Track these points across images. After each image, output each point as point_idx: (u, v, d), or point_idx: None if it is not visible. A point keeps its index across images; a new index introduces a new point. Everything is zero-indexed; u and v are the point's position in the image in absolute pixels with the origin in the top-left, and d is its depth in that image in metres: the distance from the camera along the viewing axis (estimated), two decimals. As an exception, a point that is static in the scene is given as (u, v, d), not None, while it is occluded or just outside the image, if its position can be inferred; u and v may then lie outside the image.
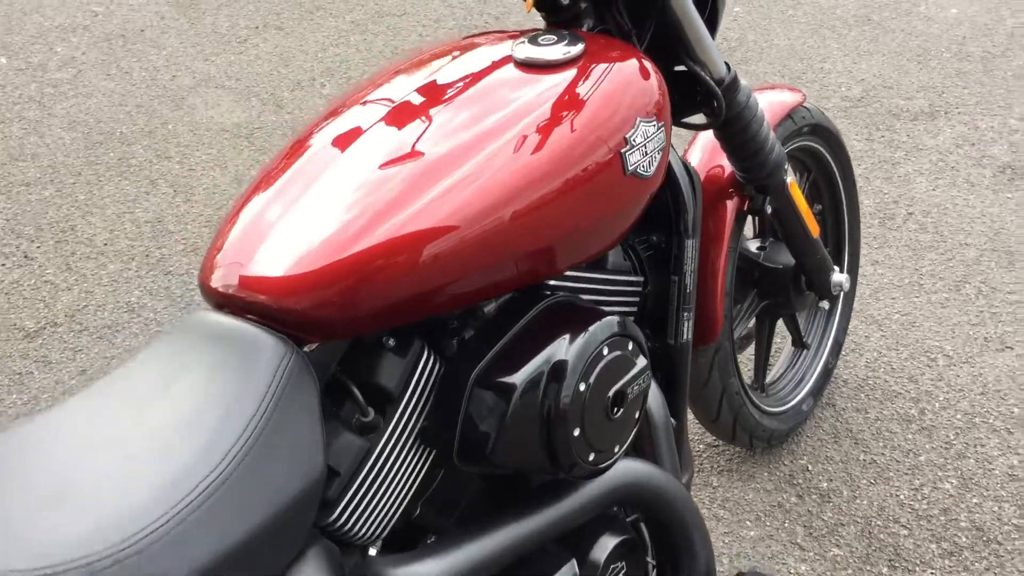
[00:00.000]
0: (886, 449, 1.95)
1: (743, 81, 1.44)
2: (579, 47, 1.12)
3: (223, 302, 0.98)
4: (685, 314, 1.34)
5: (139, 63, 3.58)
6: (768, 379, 1.95)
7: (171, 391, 0.91)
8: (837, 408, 2.05)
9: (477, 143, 1.03)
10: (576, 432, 1.02)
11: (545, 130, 1.05)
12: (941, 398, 2.06)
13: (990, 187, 2.74)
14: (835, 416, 2.03)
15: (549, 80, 1.10)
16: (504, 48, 1.16)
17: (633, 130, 1.10)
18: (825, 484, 1.89)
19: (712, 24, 1.39)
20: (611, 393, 1.05)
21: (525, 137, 1.04)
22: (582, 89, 1.09)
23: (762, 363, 1.91)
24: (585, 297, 1.18)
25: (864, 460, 1.93)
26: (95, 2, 4.05)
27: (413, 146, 1.03)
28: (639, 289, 1.31)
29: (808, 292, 1.82)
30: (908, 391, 2.08)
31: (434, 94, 1.10)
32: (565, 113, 1.06)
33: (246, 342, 0.93)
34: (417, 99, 1.09)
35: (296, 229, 0.98)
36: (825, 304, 1.90)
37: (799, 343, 1.99)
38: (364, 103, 1.12)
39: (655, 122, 1.13)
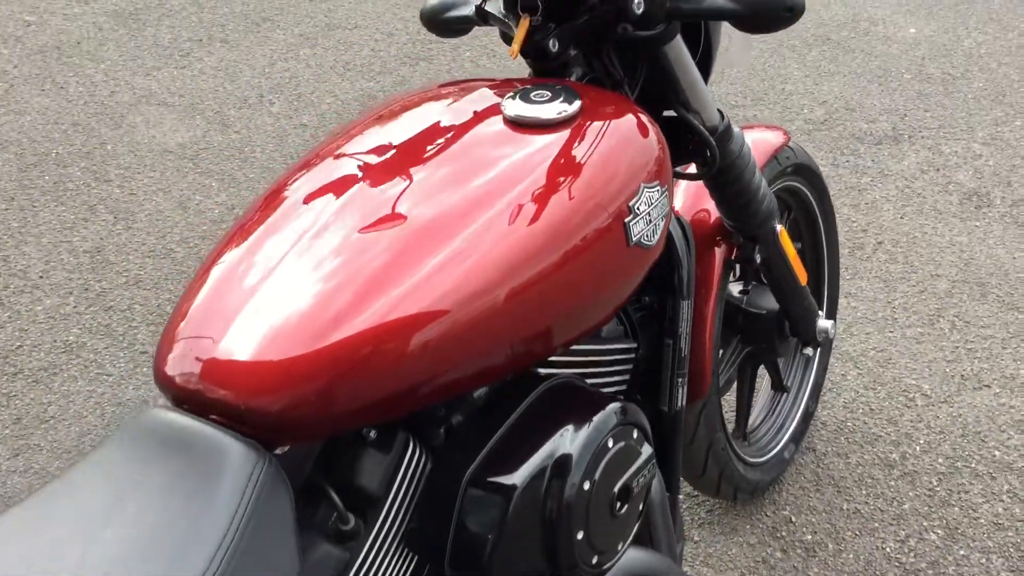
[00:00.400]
0: (869, 497, 1.89)
1: (736, 128, 1.36)
2: (576, 105, 1.02)
3: (182, 397, 0.87)
4: (679, 380, 1.26)
5: (76, 77, 3.41)
6: (747, 426, 1.88)
7: (124, 510, 0.79)
8: (818, 453, 1.98)
9: (469, 213, 0.92)
10: (579, 535, 0.93)
11: (542, 200, 0.95)
12: (922, 441, 2.01)
13: (957, 215, 2.70)
14: (816, 462, 1.97)
15: (542, 141, 1.00)
16: (490, 100, 1.06)
17: (636, 198, 1.00)
18: (809, 536, 1.82)
19: (705, 68, 1.30)
20: (616, 489, 0.96)
21: (521, 207, 0.94)
22: (579, 152, 0.99)
23: (744, 411, 1.83)
24: (580, 371, 1.09)
25: (848, 510, 1.86)
26: (27, 11, 3.86)
27: (396, 211, 0.92)
28: (633, 356, 1.22)
29: (792, 338, 1.74)
30: (888, 434, 2.02)
31: (418, 153, 0.99)
32: (563, 180, 0.96)
33: (210, 450, 0.82)
34: (400, 158, 0.99)
35: (268, 306, 0.86)
36: (809, 350, 1.83)
37: (779, 387, 1.92)
38: (339, 157, 1.01)
39: (658, 186, 1.04)
